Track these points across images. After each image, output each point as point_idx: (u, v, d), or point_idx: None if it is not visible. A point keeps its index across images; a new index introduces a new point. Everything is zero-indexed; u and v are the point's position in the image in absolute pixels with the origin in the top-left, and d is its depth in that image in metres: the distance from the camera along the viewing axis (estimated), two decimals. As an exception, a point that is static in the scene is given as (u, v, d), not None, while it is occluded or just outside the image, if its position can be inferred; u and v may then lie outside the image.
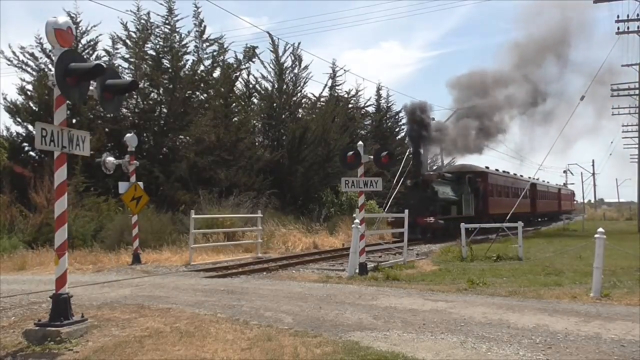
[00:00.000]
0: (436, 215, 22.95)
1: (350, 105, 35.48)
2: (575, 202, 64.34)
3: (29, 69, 22.41)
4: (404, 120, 40.79)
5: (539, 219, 44.46)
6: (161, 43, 24.23)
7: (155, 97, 24.24)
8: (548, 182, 50.67)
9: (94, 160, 15.51)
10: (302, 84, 30.32)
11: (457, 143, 31.24)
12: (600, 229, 8.86)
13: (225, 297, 8.68)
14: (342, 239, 21.32)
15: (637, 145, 35.03)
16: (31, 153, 22.53)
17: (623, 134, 43.58)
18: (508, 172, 37.82)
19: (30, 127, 22.05)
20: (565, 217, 50.36)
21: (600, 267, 8.54)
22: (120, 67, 23.10)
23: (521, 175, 40.63)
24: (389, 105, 40.82)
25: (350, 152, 12.21)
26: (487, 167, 32.68)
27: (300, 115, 30.77)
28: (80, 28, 22.63)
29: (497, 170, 34.69)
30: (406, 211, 15.35)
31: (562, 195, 54.63)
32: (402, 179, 24.67)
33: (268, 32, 33.60)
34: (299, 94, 30.66)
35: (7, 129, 22.97)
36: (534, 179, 41.57)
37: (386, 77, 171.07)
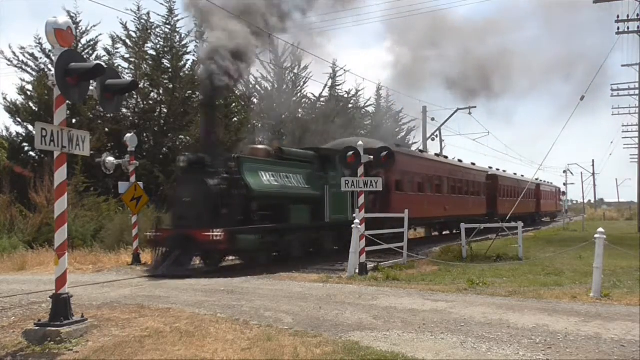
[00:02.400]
0: (249, 224, 12.43)
1: (350, 105, 35.54)
2: (562, 201, 51.02)
3: (28, 69, 22.44)
4: (404, 120, 40.34)
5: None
6: (161, 43, 24.31)
7: (155, 97, 24.27)
8: (518, 175, 38.71)
9: (94, 160, 15.53)
10: (302, 84, 30.44)
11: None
12: (601, 229, 8.86)
13: (225, 297, 8.67)
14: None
15: (637, 145, 35.07)
16: (31, 153, 22.52)
17: (623, 134, 43.66)
18: (446, 157, 26.18)
19: (30, 127, 22.05)
20: (545, 219, 44.75)
21: (600, 267, 8.54)
22: (120, 67, 23.14)
23: (472, 164, 29.04)
24: (389, 105, 40.95)
25: (350, 152, 12.21)
26: (398, 145, 21.76)
27: (300, 115, 30.82)
28: (80, 28, 22.66)
29: (420, 151, 23.20)
30: (406, 211, 15.16)
31: (541, 193, 41.81)
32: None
33: (267, 32, 33.50)
34: (299, 94, 30.74)
35: (7, 129, 22.98)
36: (498, 169, 33.28)
37: (386, 77, 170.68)
